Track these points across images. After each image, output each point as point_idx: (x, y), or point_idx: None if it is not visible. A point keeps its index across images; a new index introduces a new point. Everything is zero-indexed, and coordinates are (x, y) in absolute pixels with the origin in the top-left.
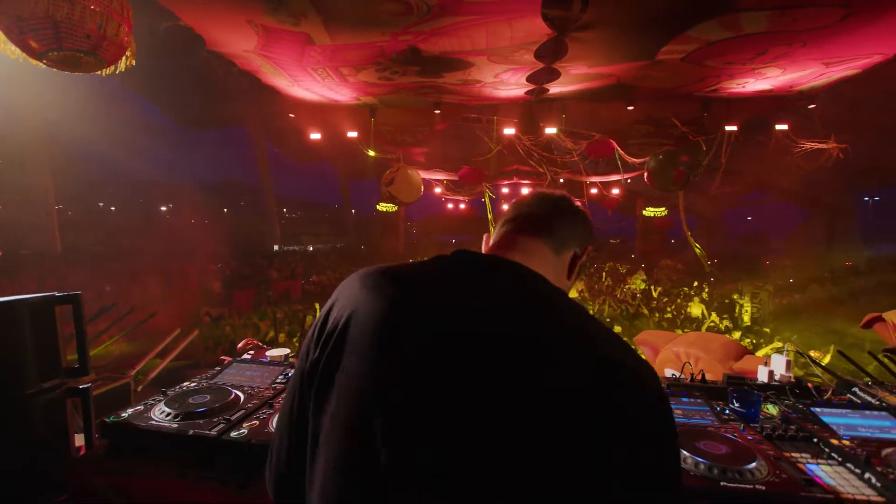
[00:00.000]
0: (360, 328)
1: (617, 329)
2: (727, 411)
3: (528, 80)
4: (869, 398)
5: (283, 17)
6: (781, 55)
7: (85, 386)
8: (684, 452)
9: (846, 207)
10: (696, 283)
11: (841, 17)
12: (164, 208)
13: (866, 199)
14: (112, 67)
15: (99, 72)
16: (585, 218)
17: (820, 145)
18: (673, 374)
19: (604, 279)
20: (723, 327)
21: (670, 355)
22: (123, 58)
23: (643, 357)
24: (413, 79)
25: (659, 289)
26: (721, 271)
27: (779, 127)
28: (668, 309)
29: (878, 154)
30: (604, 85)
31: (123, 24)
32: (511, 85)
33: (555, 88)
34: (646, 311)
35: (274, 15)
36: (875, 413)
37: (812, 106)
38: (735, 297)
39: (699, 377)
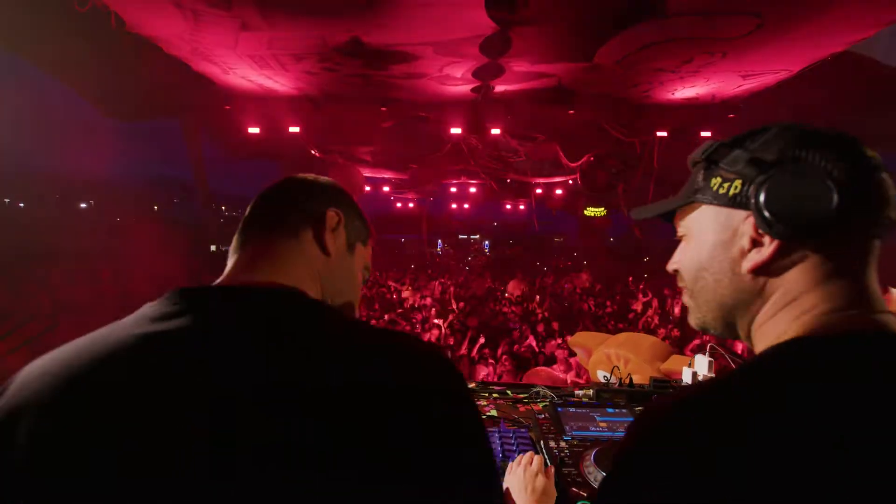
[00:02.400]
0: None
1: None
2: None
3: (474, 75)
4: None
5: (215, 0)
6: (705, 64)
7: None
8: (603, 475)
9: None
10: (630, 279)
11: (755, 27)
12: (83, 205)
13: None
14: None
15: None
16: (324, 184)
17: None
18: (605, 377)
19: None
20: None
21: (602, 357)
22: None
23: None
24: (357, 70)
25: (598, 286)
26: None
27: (703, 134)
28: (608, 304)
29: None
30: (547, 86)
31: None
32: (457, 81)
33: (500, 87)
34: (589, 308)
35: None
36: None
37: (731, 115)
38: (666, 291)
39: (627, 381)
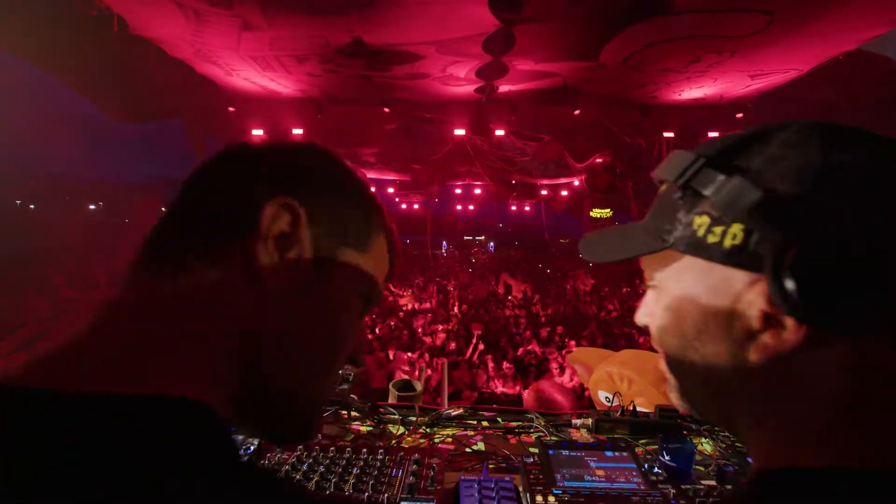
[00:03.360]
0: None
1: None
2: (656, 468)
3: (478, 75)
4: None
5: None
6: (713, 64)
7: None
8: None
9: None
10: (637, 281)
11: (765, 25)
12: (92, 206)
13: None
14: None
15: None
16: (270, 153)
17: None
18: (607, 398)
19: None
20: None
21: (603, 375)
22: None
23: None
24: (360, 72)
25: (605, 288)
26: None
27: (711, 134)
28: (611, 307)
29: None
30: (551, 85)
31: None
32: (460, 81)
33: (504, 87)
34: (594, 311)
35: None
36: None
37: (739, 115)
38: None
39: (630, 407)
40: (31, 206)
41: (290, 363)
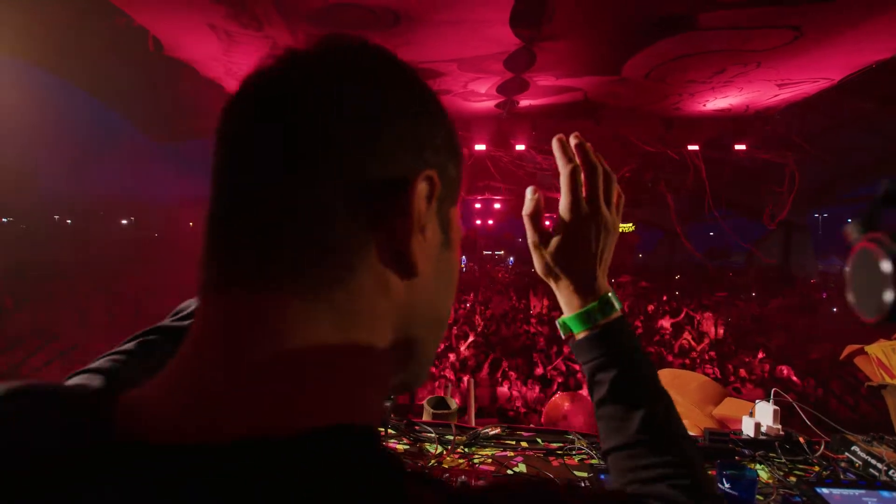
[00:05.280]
0: None
1: None
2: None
3: (498, 91)
4: (873, 461)
5: (246, 20)
6: (738, 74)
7: None
8: None
9: (801, 224)
10: (664, 298)
11: (791, 39)
12: (124, 222)
13: (816, 215)
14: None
15: None
16: (383, 87)
17: (779, 160)
18: None
19: None
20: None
21: None
22: None
23: None
24: None
25: (626, 304)
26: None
27: (738, 147)
28: (637, 323)
29: (826, 173)
30: (572, 100)
31: None
32: (481, 96)
33: (524, 102)
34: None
35: (236, 19)
36: (893, 496)
37: (767, 127)
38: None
39: None
40: (69, 222)
41: (432, 325)
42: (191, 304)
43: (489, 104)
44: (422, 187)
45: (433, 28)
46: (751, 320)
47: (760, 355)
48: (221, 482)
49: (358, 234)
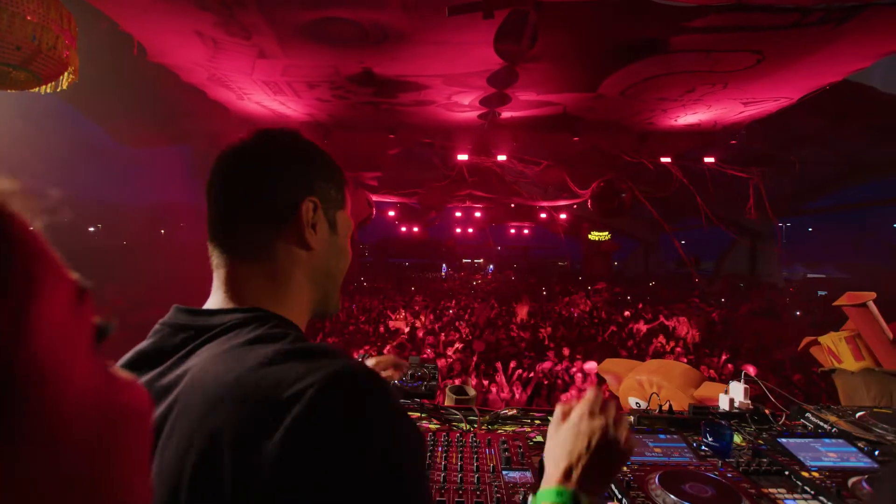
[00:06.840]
0: None
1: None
2: (703, 447)
3: (481, 103)
4: (822, 424)
5: (235, 30)
6: (707, 93)
7: None
8: (672, 497)
9: (766, 233)
10: (640, 306)
11: (755, 63)
12: (92, 229)
13: (780, 225)
14: (51, 85)
15: (36, 89)
16: (282, 156)
17: (742, 174)
18: (637, 403)
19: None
20: (668, 348)
21: (633, 384)
22: (64, 74)
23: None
24: (368, 98)
25: (602, 310)
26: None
27: (707, 159)
28: (602, 332)
29: (788, 186)
30: (552, 113)
31: (63, 35)
32: (465, 108)
33: (506, 113)
34: (597, 332)
35: (225, 28)
36: (833, 441)
37: (733, 142)
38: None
39: (665, 407)
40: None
41: (329, 276)
42: None
43: (472, 115)
44: (307, 205)
45: (420, 46)
46: (720, 324)
47: (725, 356)
48: (238, 321)
49: (273, 231)
